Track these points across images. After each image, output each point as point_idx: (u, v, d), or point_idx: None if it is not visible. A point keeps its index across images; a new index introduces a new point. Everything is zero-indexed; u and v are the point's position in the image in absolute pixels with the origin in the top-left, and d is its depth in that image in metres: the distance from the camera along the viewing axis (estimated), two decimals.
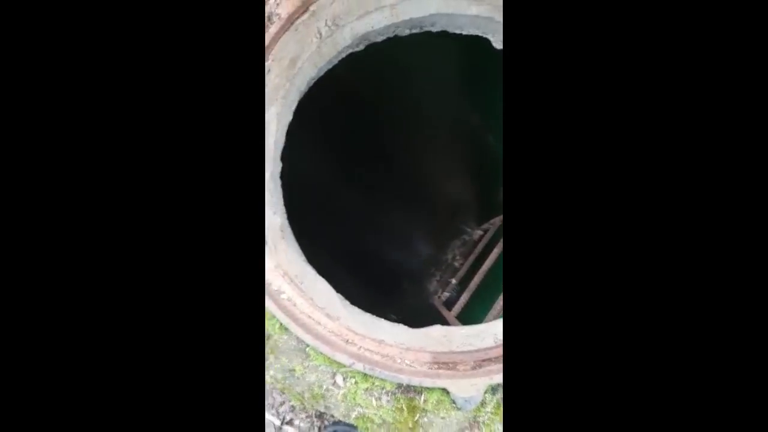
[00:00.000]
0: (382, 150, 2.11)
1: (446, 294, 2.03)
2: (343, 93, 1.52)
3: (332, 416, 0.82)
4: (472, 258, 1.93)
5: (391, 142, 2.12)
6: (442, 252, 2.82)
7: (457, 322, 1.40)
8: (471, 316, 1.63)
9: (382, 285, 2.25)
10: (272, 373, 0.81)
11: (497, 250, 1.46)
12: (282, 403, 0.87)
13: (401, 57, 1.28)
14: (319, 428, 0.85)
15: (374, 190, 2.23)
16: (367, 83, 1.76)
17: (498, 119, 1.89)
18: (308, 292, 0.80)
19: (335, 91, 1.15)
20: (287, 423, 0.81)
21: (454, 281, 2.03)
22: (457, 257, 2.71)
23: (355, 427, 0.81)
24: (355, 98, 1.85)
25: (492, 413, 0.74)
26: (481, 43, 0.99)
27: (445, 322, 1.54)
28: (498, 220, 1.98)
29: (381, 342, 0.77)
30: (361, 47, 0.96)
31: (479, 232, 2.30)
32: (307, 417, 0.86)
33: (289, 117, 0.88)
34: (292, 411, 0.85)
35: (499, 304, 1.02)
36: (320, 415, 0.83)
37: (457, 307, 1.55)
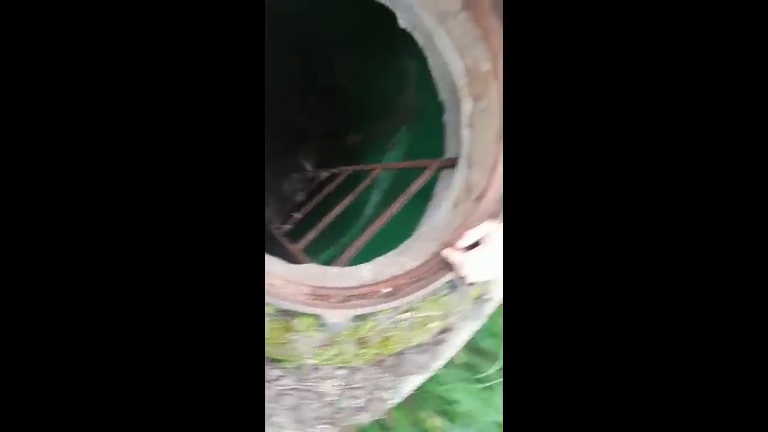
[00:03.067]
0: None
1: (287, 226, 2.16)
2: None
3: None
4: (320, 197, 2.09)
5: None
6: (279, 184, 2.90)
7: (303, 255, 1.56)
8: (317, 251, 1.82)
9: None
10: None
11: (351, 197, 1.66)
12: None
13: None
14: None
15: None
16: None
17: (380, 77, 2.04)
18: None
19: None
20: None
21: (298, 215, 2.17)
22: (299, 192, 2.84)
23: None
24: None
25: (346, 335, 0.95)
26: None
27: (285, 251, 1.69)
28: (347, 169, 2.17)
29: (268, 273, 0.89)
30: None
31: (325, 174, 2.46)
32: None
33: None
34: None
35: (353, 247, 1.23)
36: None
37: (304, 242, 1.71)
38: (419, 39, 1.07)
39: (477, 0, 0.86)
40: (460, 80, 1.05)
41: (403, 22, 1.07)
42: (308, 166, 2.93)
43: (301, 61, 2.40)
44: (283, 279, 0.88)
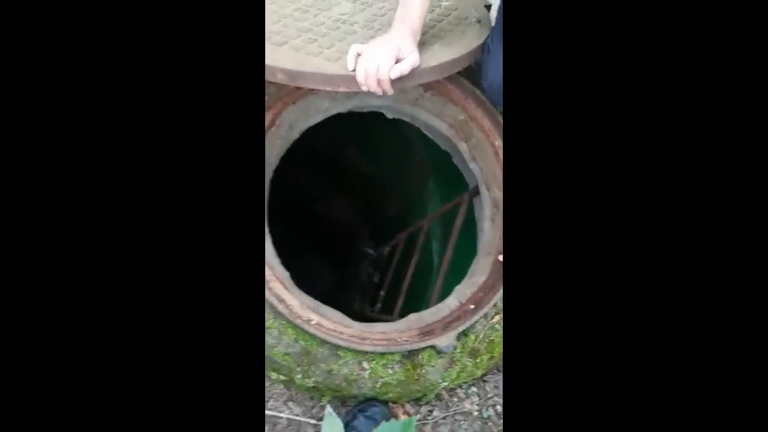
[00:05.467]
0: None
1: (379, 305, 2.44)
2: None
3: (364, 395, 1.16)
4: (392, 270, 2.38)
5: None
6: (355, 275, 3.23)
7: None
8: (408, 312, 2.06)
9: None
10: (314, 378, 1.13)
11: (415, 257, 1.93)
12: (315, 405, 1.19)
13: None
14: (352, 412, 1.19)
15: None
16: None
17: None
18: (324, 313, 1.15)
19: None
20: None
21: (382, 293, 2.45)
22: (374, 274, 3.14)
23: (379, 401, 1.16)
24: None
25: (459, 352, 1.18)
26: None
27: None
28: (401, 236, 2.46)
29: (382, 333, 1.16)
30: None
31: (387, 248, 2.77)
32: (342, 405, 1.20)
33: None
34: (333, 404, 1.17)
35: (436, 289, 1.48)
36: (354, 396, 1.17)
37: (397, 310, 1.97)
38: (406, 119, 1.40)
39: (435, 82, 1.18)
40: (449, 132, 1.35)
41: (389, 115, 1.41)
42: (370, 250, 3.24)
43: (326, 167, 2.82)
44: (395, 331, 1.15)
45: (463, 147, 1.37)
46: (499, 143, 1.30)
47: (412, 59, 0.99)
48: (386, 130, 2.11)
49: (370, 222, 3.09)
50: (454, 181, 1.64)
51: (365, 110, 1.39)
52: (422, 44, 1.05)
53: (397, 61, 0.98)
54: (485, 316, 1.16)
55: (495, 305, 1.16)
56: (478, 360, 1.17)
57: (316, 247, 2.77)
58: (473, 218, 1.53)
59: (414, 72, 1.00)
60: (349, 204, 3.04)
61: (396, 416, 1.19)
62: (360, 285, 3.09)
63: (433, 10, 1.20)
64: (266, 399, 1.20)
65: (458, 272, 1.37)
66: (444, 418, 1.26)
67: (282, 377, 1.17)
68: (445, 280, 1.46)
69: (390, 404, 1.18)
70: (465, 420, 1.28)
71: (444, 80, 1.17)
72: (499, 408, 1.29)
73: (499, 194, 1.30)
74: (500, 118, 1.30)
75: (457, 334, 1.13)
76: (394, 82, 0.99)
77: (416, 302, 2.13)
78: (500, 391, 1.30)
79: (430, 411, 1.25)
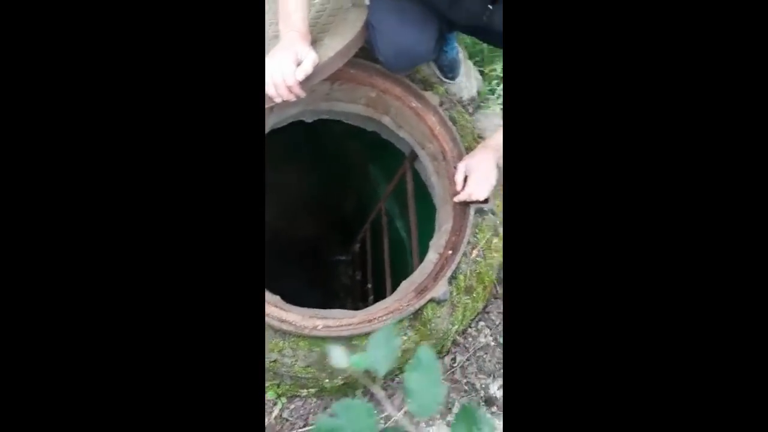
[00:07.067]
0: None
1: (371, 298, 2.50)
2: None
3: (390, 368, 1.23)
4: (370, 262, 2.45)
5: None
6: (334, 280, 3.27)
7: None
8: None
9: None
10: (341, 376, 1.18)
11: (385, 239, 2.01)
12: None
13: None
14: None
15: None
16: None
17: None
18: (326, 315, 1.21)
19: None
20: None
21: (369, 285, 2.51)
22: (354, 274, 3.20)
23: None
24: None
25: (456, 294, 1.27)
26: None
27: None
28: (366, 227, 2.54)
29: (385, 308, 1.23)
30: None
31: (357, 245, 2.83)
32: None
33: None
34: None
35: (415, 259, 1.56)
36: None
37: (388, 291, 2.04)
38: (326, 116, 1.47)
39: (338, 71, 1.25)
40: (368, 111, 1.44)
41: (308, 119, 1.48)
42: (341, 256, 3.29)
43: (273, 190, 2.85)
44: (395, 302, 1.23)
45: (386, 120, 1.45)
46: (415, 104, 1.40)
47: (310, 58, 1.06)
48: (313, 137, 2.17)
49: (335, 229, 3.14)
50: (391, 156, 1.73)
51: (285, 123, 1.45)
52: (313, 42, 1.12)
53: (297, 65, 1.04)
54: (464, 254, 1.26)
55: (468, 242, 1.26)
56: (474, 294, 1.27)
57: (292, 270, 2.79)
58: (421, 181, 1.62)
59: (316, 69, 1.07)
60: (310, 219, 3.07)
61: None
62: (346, 289, 3.14)
63: (310, 10, 1.27)
64: (306, 416, 1.25)
65: (428, 232, 1.47)
66: (467, 359, 1.35)
67: (312, 390, 1.22)
68: (421, 243, 1.54)
69: None
70: (486, 353, 1.38)
71: (345, 67, 1.24)
72: None
73: (433, 147, 1.40)
74: (408, 81, 1.40)
75: (447, 280, 1.22)
76: (302, 84, 1.06)
77: (403, 277, 2.22)
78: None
79: (453, 358, 1.34)
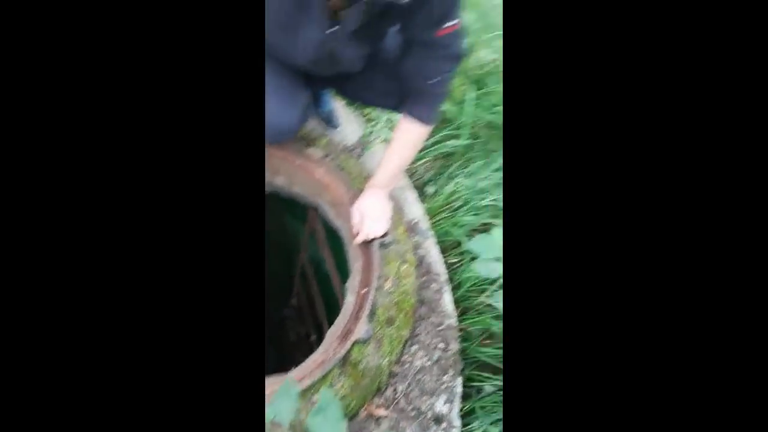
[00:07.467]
0: None
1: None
2: None
3: None
4: (308, 315, 2.45)
5: None
6: (284, 341, 3.21)
7: None
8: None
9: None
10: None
11: (315, 288, 2.03)
12: None
13: None
14: None
15: None
16: None
17: None
18: None
19: None
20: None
21: (313, 337, 2.50)
22: (299, 327, 3.15)
23: None
24: None
25: (379, 329, 1.33)
26: None
27: None
28: (296, 280, 2.54)
29: (313, 361, 1.25)
30: None
31: (293, 300, 2.82)
32: None
33: None
34: None
35: (341, 301, 1.61)
36: None
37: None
38: None
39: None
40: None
41: None
42: (286, 313, 3.24)
43: None
44: (321, 353, 1.26)
45: (279, 180, 1.51)
46: (300, 161, 1.47)
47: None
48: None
49: (273, 286, 3.10)
50: (302, 207, 1.78)
51: None
52: None
53: None
54: (378, 288, 1.32)
55: (379, 276, 1.33)
56: (397, 323, 1.33)
57: None
58: (330, 227, 1.69)
59: None
60: None
61: (373, 415, 1.30)
62: (295, 346, 3.09)
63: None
64: None
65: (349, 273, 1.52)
66: (408, 385, 1.40)
67: None
68: (342, 284, 1.59)
69: (361, 410, 1.28)
70: (424, 375, 1.43)
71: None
72: (441, 345, 1.47)
73: (329, 196, 1.48)
74: (296, 145, 1.47)
75: (366, 318, 1.27)
76: None
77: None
78: (433, 330, 1.48)
79: (394, 389, 1.38)
